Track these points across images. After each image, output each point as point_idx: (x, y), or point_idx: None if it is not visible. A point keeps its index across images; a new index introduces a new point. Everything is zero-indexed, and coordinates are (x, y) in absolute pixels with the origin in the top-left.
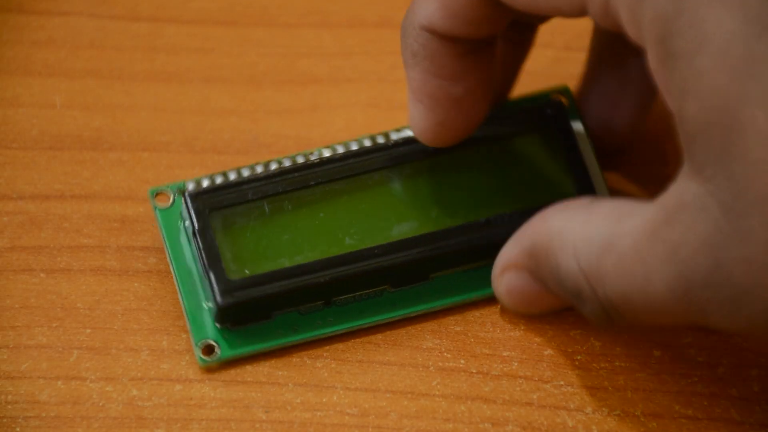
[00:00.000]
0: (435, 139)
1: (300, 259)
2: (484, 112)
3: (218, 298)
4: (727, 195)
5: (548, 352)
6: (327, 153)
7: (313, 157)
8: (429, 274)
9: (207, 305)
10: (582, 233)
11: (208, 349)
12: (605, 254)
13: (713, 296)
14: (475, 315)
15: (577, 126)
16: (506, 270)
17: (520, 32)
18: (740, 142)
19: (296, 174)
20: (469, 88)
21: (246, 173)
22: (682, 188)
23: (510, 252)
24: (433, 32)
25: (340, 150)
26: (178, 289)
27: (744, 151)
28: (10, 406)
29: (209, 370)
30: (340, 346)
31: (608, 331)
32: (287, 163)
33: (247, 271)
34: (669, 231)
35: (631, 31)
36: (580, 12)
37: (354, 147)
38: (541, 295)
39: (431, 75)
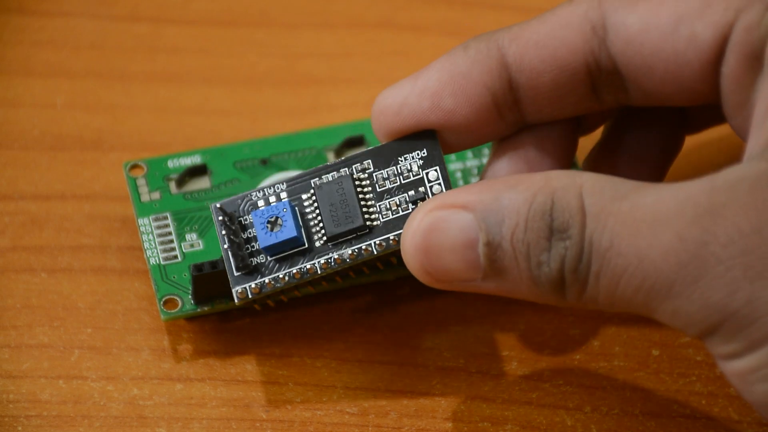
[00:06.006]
0: (385, 116)
1: None
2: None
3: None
4: None
5: (547, 351)
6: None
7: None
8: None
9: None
10: (597, 180)
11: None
12: (617, 201)
13: (723, 262)
14: (474, 314)
15: None
16: (444, 207)
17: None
18: None
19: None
20: (458, 115)
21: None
22: (744, 167)
23: (458, 194)
24: (502, 55)
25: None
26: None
27: None
28: (11, 405)
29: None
30: (340, 345)
31: (554, 303)
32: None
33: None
34: (711, 195)
35: None
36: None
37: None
38: (467, 247)
39: (451, 72)
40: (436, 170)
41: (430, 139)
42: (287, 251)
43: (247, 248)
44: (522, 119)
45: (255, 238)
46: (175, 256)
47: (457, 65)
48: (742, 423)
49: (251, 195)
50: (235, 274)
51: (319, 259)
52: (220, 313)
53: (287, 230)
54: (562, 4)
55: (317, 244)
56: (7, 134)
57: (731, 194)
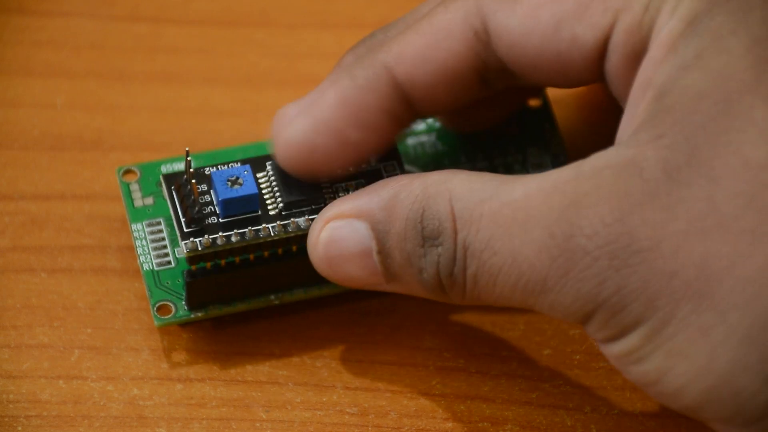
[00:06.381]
0: (297, 161)
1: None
2: (354, 164)
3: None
4: (680, 160)
5: (547, 351)
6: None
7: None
8: None
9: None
10: (466, 182)
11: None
12: (486, 201)
13: (590, 252)
14: (474, 315)
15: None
16: (339, 217)
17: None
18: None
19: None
20: (365, 143)
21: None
22: (611, 153)
23: (352, 201)
24: (391, 76)
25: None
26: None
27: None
28: (11, 405)
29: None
30: (340, 345)
31: (437, 299)
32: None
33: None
34: (576, 184)
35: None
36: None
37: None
38: (365, 256)
39: (348, 106)
40: (393, 164)
41: None
42: (241, 214)
43: (199, 210)
44: (421, 115)
45: (208, 204)
46: (169, 262)
47: (350, 97)
48: None
49: (204, 169)
50: (185, 230)
51: (273, 223)
52: (213, 319)
53: (248, 187)
54: (436, 10)
55: (272, 213)
56: (7, 134)
57: (595, 182)
